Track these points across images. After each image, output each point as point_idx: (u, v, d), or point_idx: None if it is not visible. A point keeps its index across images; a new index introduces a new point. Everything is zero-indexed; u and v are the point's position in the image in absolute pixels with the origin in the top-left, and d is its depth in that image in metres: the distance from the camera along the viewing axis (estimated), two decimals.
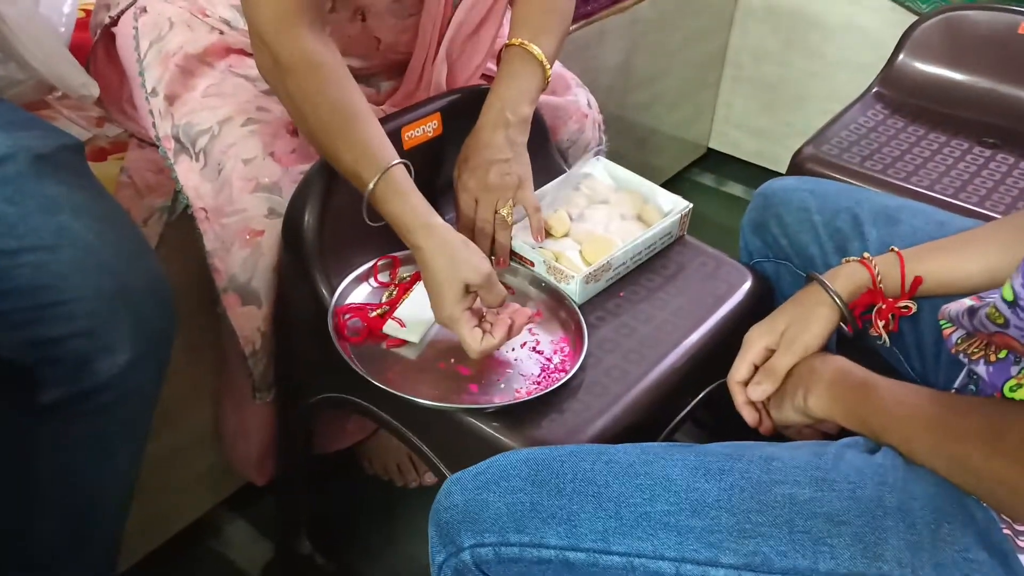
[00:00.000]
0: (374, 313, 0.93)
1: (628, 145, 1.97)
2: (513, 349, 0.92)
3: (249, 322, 1.00)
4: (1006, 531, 0.63)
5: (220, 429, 1.20)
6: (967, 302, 0.73)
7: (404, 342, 0.91)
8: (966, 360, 0.74)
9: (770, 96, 2.15)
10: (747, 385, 0.85)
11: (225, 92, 1.01)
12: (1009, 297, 0.64)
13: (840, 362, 0.79)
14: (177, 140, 1.01)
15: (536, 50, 1.03)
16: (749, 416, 0.85)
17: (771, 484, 0.66)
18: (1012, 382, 0.66)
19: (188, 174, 1.00)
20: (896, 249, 0.88)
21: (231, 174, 0.97)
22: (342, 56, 0.94)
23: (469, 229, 0.99)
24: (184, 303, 0.86)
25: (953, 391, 0.79)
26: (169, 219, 1.03)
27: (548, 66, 1.04)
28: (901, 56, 1.55)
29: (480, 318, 0.87)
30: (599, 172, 1.16)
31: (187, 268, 1.03)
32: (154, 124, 1.04)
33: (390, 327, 0.92)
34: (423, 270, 0.87)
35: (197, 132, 1.00)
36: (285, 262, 0.98)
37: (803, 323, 0.84)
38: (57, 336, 0.74)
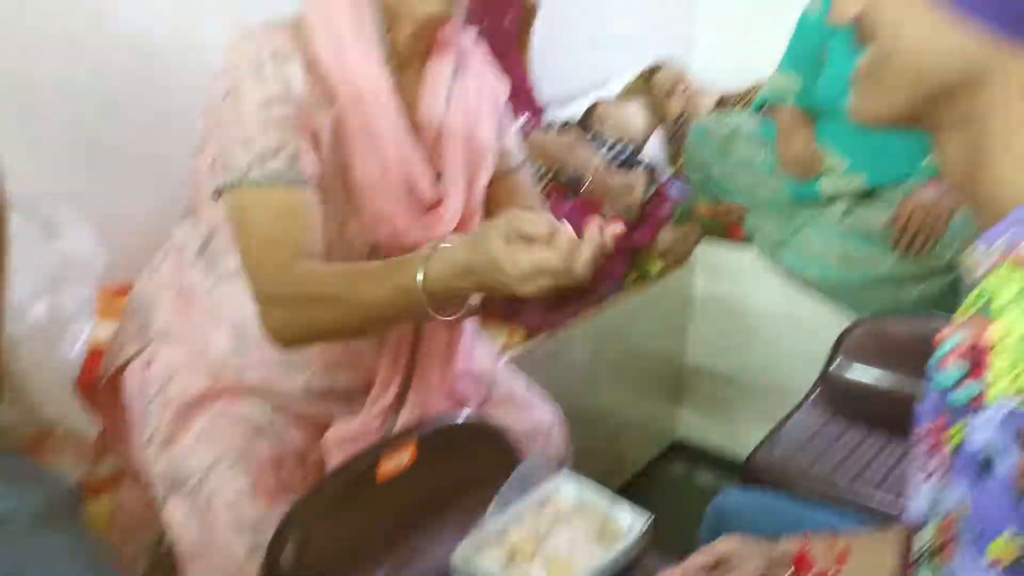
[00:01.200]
0: None
1: (597, 441, 2.06)
2: None
3: None
4: None
5: None
6: None
7: None
8: None
9: (730, 388, 2.28)
10: None
11: (216, 436, 1.10)
12: None
13: None
14: (169, 480, 1.09)
15: None
16: None
17: None
18: None
19: (175, 513, 1.07)
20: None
21: (217, 514, 1.03)
22: (324, 369, 1.07)
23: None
24: None
25: None
26: (155, 557, 1.08)
27: None
28: (837, 360, 1.69)
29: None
30: (563, 488, 1.23)
31: None
32: (150, 463, 1.12)
33: None
34: (482, 277, 0.87)
35: (188, 473, 1.07)
36: None
37: None
38: None
